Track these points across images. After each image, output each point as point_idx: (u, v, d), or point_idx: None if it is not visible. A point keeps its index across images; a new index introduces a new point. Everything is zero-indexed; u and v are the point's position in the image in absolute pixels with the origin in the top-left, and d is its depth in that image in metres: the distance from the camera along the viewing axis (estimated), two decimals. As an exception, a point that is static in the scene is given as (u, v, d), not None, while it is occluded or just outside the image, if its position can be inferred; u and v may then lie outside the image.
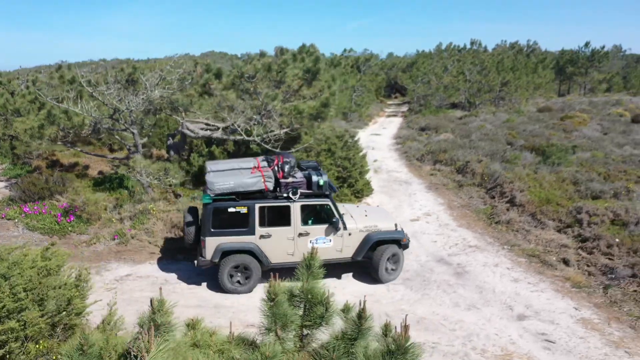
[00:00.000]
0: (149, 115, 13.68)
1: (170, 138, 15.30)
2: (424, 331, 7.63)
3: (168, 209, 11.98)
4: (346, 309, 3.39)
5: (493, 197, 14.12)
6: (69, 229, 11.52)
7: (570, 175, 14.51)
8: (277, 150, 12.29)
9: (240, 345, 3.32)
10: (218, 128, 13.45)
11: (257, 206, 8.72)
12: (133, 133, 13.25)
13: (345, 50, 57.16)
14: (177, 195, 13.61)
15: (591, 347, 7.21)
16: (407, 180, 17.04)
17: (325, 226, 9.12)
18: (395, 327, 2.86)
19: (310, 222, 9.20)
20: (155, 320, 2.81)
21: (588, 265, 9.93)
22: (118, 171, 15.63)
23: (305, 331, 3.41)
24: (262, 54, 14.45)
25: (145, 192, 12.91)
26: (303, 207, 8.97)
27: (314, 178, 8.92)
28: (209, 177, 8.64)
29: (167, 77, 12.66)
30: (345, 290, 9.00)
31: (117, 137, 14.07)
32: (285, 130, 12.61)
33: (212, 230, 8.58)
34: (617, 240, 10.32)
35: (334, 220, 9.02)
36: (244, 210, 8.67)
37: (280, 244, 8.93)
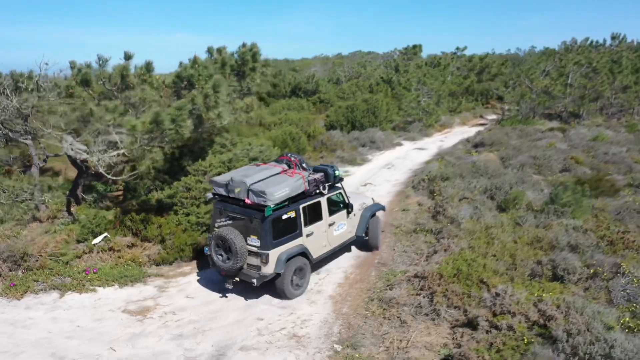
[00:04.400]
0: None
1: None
2: None
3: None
4: None
5: (428, 257, 10.07)
6: None
7: (556, 235, 9.68)
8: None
9: None
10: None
11: (301, 208, 8.89)
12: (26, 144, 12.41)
13: (458, 48, 51.56)
14: (70, 213, 12.41)
15: None
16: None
17: (341, 213, 9.94)
18: None
19: (333, 211, 9.70)
20: None
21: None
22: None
23: None
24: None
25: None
26: (328, 200, 9.54)
27: (330, 170, 9.60)
28: (259, 188, 8.29)
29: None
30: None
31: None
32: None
33: (274, 241, 8.41)
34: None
35: (347, 205, 10.01)
36: (292, 214, 8.74)
37: (318, 238, 9.33)
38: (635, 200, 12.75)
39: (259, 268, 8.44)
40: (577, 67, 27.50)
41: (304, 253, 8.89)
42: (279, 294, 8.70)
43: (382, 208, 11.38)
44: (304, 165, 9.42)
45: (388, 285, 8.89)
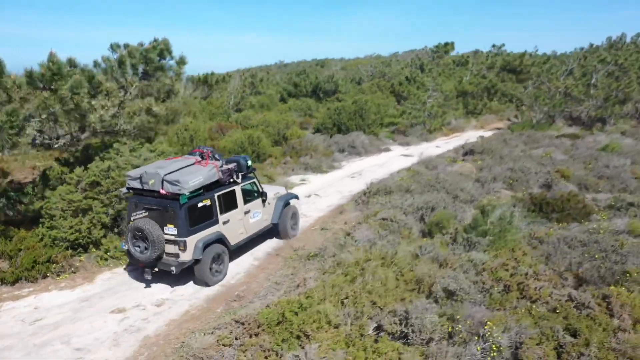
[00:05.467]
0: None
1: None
2: None
3: None
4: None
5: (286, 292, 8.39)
6: None
7: (438, 276, 7.69)
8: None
9: None
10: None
11: (216, 196, 9.21)
12: None
13: (494, 46, 48.07)
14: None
15: None
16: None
17: (256, 201, 10.40)
18: None
19: (248, 200, 10.12)
20: None
21: None
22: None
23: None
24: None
25: None
26: (242, 189, 9.96)
27: (242, 161, 9.99)
28: (173, 178, 8.47)
29: None
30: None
31: None
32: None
33: (191, 228, 8.62)
34: None
35: (261, 193, 10.52)
36: (208, 202, 9.02)
37: (235, 226, 9.72)
38: (602, 228, 10.37)
39: (177, 256, 8.70)
40: (601, 65, 24.16)
41: (221, 240, 9.25)
42: (199, 280, 9.06)
43: (296, 197, 11.88)
44: (216, 156, 9.69)
45: (213, 328, 7.35)
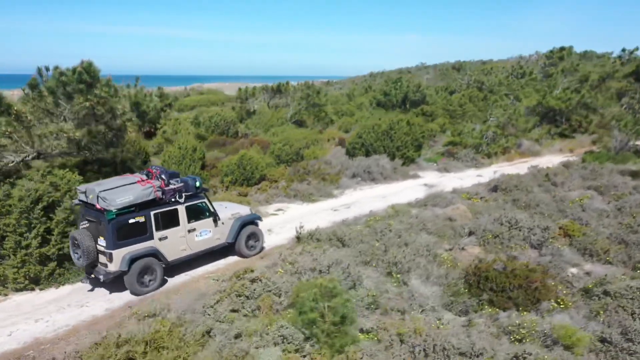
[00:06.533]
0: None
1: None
2: None
3: None
4: None
5: None
6: None
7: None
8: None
9: None
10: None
11: (152, 214, 9.86)
12: None
13: (624, 50, 40.58)
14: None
15: None
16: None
17: (205, 220, 10.84)
18: None
19: (195, 219, 10.63)
20: None
21: None
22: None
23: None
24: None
25: None
26: (187, 207, 10.45)
27: (190, 182, 10.51)
28: (104, 195, 9.23)
29: None
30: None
31: None
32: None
33: (118, 242, 9.45)
34: None
35: (211, 213, 10.90)
36: (142, 219, 9.72)
37: (175, 242, 10.31)
38: (525, 327, 7.72)
39: (106, 266, 9.51)
40: None
41: (154, 254, 9.89)
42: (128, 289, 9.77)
43: (258, 218, 12.25)
44: (162, 176, 10.09)
45: None
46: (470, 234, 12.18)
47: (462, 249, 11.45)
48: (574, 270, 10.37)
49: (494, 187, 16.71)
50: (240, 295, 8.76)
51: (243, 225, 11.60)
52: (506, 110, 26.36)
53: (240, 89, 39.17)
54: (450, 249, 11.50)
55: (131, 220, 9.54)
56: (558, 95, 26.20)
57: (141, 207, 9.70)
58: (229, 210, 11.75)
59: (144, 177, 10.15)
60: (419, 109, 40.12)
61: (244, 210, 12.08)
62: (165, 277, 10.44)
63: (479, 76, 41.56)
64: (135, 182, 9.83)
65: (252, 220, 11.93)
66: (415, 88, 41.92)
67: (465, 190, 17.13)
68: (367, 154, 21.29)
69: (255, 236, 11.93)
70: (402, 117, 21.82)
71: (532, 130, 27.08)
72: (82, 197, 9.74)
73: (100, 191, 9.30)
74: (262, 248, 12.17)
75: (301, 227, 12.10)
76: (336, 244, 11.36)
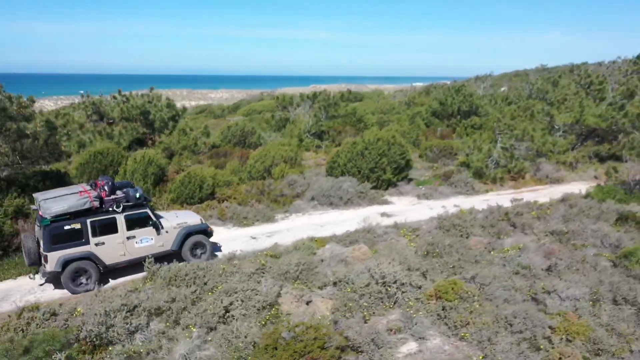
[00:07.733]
0: None
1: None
2: None
3: None
4: None
5: None
6: None
7: None
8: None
9: None
10: None
11: (88, 221, 10.91)
12: None
13: None
14: None
15: None
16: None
17: (146, 229, 11.67)
18: None
19: (135, 227, 11.50)
20: None
21: None
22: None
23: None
24: None
25: None
26: (127, 216, 11.36)
27: (131, 193, 11.43)
28: (43, 204, 10.50)
29: None
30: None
31: None
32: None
33: (53, 246, 10.60)
34: None
35: (152, 223, 11.68)
36: (78, 226, 10.81)
37: (112, 248, 11.27)
38: None
39: (44, 266, 10.70)
40: None
41: (90, 258, 10.86)
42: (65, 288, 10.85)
43: (205, 227, 12.68)
44: (105, 187, 11.08)
45: None
46: (336, 283, 10.54)
47: (308, 302, 9.90)
48: (411, 345, 8.41)
49: (437, 224, 14.45)
50: None
51: (188, 235, 12.27)
52: (535, 129, 23.00)
53: (277, 97, 39.08)
54: (297, 301, 10.01)
55: (66, 227, 10.60)
56: (599, 112, 22.05)
57: (77, 215, 10.70)
58: (177, 219, 12.47)
59: (87, 188, 11.22)
60: (468, 120, 37.00)
61: (192, 220, 12.69)
62: (109, 278, 11.60)
63: (543, 85, 36.84)
64: (76, 193, 10.84)
65: (200, 230, 12.50)
66: (463, 97, 38.77)
67: (415, 225, 15.08)
68: (343, 175, 19.78)
69: (201, 245, 12.51)
70: (383, 135, 19.85)
71: (566, 152, 23.27)
72: (35, 204, 10.96)
73: (42, 200, 10.51)
74: (213, 257, 12.67)
75: (150, 261, 11.35)
76: (175, 283, 10.51)
